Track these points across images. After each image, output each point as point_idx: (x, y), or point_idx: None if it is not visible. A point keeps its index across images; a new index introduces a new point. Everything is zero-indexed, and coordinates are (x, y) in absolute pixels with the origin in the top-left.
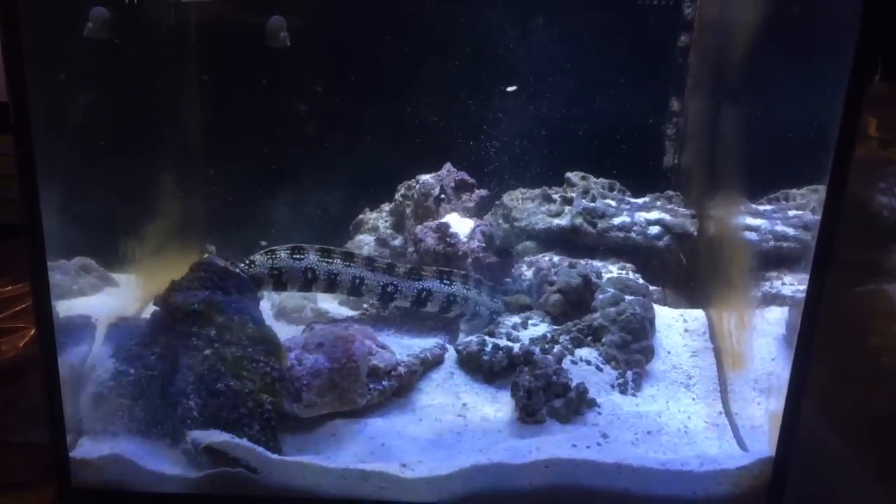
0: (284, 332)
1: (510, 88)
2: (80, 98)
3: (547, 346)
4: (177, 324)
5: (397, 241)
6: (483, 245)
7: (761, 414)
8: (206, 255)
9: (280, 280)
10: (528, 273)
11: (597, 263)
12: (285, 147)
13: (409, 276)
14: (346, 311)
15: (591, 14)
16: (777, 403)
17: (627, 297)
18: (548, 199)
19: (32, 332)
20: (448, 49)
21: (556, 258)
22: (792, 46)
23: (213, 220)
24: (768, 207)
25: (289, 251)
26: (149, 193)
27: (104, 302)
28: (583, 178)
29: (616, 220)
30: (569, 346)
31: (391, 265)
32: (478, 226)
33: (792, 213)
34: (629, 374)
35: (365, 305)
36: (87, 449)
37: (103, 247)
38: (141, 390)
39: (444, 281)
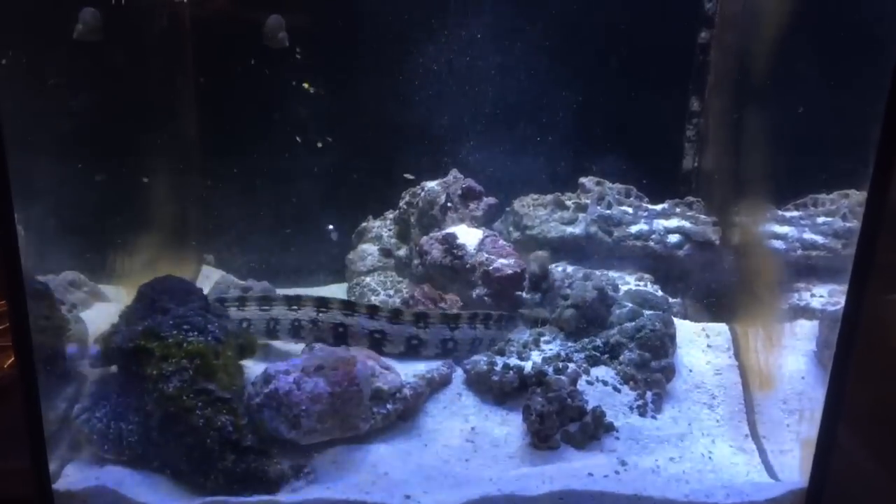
0: (283, 351)
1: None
2: (68, 104)
3: (561, 365)
4: (123, 367)
5: (402, 252)
6: (492, 257)
7: (791, 437)
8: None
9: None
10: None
11: (613, 274)
12: (285, 152)
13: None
14: None
15: (607, 8)
16: (809, 428)
17: (646, 312)
18: (560, 205)
19: None
20: (455, 48)
21: (569, 268)
22: (824, 41)
23: (210, 228)
24: (795, 214)
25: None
26: (141, 202)
27: (94, 318)
28: (597, 183)
29: (633, 228)
30: (584, 365)
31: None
32: (486, 236)
33: (821, 219)
34: (649, 394)
35: None
36: (71, 480)
37: (94, 260)
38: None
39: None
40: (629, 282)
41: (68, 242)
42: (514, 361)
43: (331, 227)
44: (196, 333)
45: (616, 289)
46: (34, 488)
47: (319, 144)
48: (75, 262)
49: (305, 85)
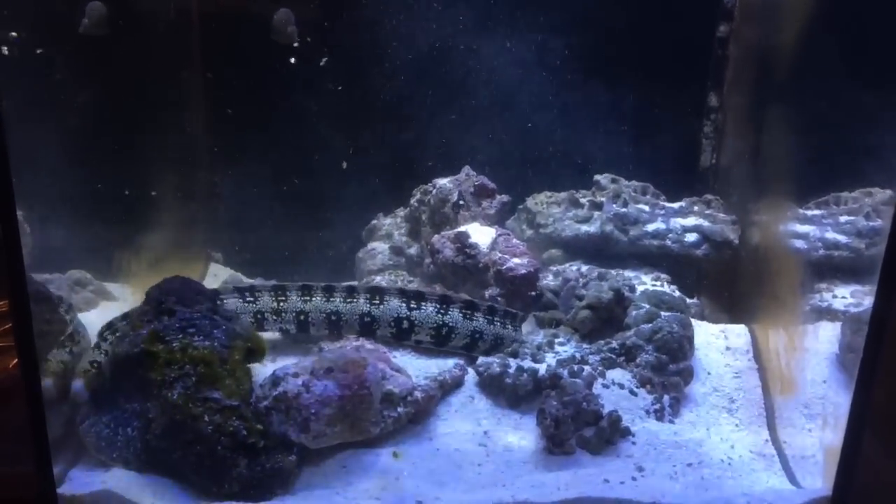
0: (291, 352)
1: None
2: (74, 99)
3: (576, 367)
4: (129, 371)
5: (413, 250)
6: (505, 256)
7: (813, 443)
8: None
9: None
10: (555, 284)
11: (629, 274)
12: (294, 149)
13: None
14: None
15: (625, 2)
16: (832, 434)
17: (663, 313)
18: (575, 203)
19: None
20: (470, 43)
21: (584, 268)
22: (846, 34)
23: (218, 225)
24: (817, 212)
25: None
26: (148, 199)
27: (98, 318)
28: (613, 180)
29: (650, 227)
30: (599, 368)
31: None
32: (499, 234)
33: (843, 218)
34: (666, 398)
35: None
36: (76, 484)
37: (100, 258)
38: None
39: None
40: (646, 282)
41: (74, 240)
42: (527, 364)
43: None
44: (202, 338)
45: (632, 289)
46: (38, 492)
47: (344, 165)
48: (81, 261)
49: (322, 62)
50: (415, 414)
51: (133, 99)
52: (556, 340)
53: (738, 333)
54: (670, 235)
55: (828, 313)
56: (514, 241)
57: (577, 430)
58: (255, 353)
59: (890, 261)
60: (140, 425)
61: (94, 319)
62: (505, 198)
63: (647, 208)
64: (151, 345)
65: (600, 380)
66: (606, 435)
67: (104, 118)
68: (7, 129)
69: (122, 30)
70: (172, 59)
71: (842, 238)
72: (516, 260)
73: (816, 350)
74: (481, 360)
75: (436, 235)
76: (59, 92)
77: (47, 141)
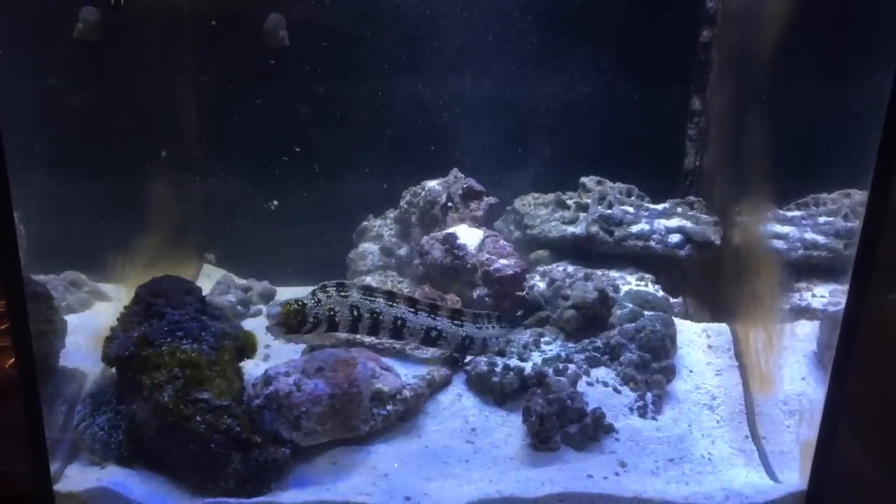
0: (284, 351)
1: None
2: (68, 103)
3: (561, 366)
4: (121, 373)
5: (403, 251)
6: (493, 257)
7: (791, 439)
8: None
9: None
10: (541, 284)
11: (614, 274)
12: (286, 151)
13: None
14: None
15: (609, 6)
16: (809, 430)
17: (647, 313)
18: (562, 204)
19: None
20: (456, 45)
21: (570, 268)
22: (825, 39)
23: (211, 227)
24: (797, 213)
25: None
26: (142, 201)
27: (93, 319)
28: (598, 182)
29: (634, 228)
30: (584, 367)
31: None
32: (487, 236)
33: (822, 219)
34: (649, 395)
35: None
36: (72, 481)
37: (94, 259)
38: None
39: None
40: (630, 282)
41: (69, 242)
42: (514, 362)
43: None
44: (190, 341)
45: (617, 289)
46: (35, 489)
47: (274, 203)
48: (76, 262)
49: None
50: (404, 412)
51: (127, 102)
52: (542, 339)
53: (719, 332)
54: (654, 236)
55: (806, 312)
56: (502, 242)
57: (561, 426)
58: (246, 351)
59: (862, 260)
60: (129, 426)
61: (89, 320)
62: (493, 199)
63: (631, 210)
64: (141, 348)
65: (585, 378)
66: (590, 432)
67: (97, 121)
68: (3, 131)
69: (114, 34)
70: (166, 62)
71: (820, 238)
72: (503, 261)
73: (795, 348)
74: (469, 358)
75: (425, 237)
76: (53, 94)
77: (42, 143)
